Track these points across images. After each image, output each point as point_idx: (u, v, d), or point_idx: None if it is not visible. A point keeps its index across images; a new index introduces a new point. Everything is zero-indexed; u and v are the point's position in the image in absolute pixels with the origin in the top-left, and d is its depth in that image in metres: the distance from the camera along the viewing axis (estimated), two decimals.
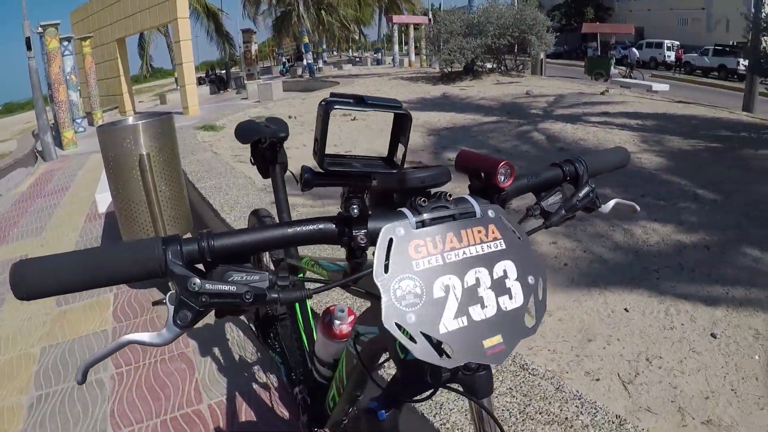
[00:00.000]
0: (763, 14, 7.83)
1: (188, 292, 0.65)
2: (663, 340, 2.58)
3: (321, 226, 0.73)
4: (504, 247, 0.72)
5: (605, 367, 2.40)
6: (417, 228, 0.69)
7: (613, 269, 3.30)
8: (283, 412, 2.32)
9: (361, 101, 0.68)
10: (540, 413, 1.54)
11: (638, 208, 0.99)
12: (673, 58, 32.57)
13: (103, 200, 3.76)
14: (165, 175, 3.01)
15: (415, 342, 0.64)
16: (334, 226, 0.73)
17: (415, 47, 28.08)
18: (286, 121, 1.73)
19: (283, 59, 34.13)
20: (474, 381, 0.81)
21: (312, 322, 1.76)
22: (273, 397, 2.41)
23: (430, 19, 26.28)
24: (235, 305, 0.68)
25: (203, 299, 0.65)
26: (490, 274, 0.70)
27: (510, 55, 15.34)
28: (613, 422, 1.48)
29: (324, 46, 34.86)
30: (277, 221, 2.04)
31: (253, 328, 2.37)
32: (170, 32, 22.26)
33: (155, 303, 0.78)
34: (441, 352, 0.65)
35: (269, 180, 1.75)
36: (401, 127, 0.72)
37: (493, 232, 0.73)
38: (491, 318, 0.68)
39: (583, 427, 1.47)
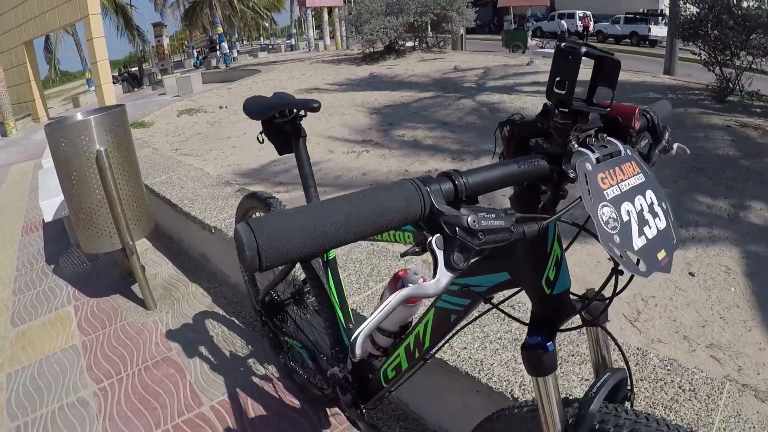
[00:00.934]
0: None
1: (466, 231, 0.63)
2: (650, 281, 2.80)
3: (537, 162, 0.75)
4: (644, 179, 0.82)
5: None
6: (595, 164, 0.75)
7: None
8: (292, 401, 2.22)
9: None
10: (572, 355, 1.64)
11: (689, 151, 1.03)
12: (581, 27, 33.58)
13: (50, 207, 3.46)
14: (124, 171, 2.79)
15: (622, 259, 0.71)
16: (546, 162, 0.76)
17: (330, 30, 27.81)
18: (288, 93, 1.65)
19: (195, 52, 33.10)
20: (597, 309, 0.91)
21: (342, 294, 1.66)
22: (278, 387, 2.30)
23: (345, 1, 26.06)
24: (501, 241, 0.67)
25: (480, 236, 0.63)
26: (645, 200, 0.80)
27: (431, 32, 15.37)
28: (636, 354, 1.62)
29: (236, 35, 33.97)
30: (277, 203, 1.92)
31: (261, 318, 2.25)
32: (78, 31, 21.03)
33: (405, 254, 0.70)
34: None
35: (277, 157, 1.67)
36: (605, 73, 0.77)
37: (635, 168, 0.81)
38: (656, 236, 0.78)
39: (613, 362, 1.48)
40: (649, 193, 0.81)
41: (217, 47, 24.76)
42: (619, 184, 0.77)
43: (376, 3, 13.98)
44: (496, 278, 0.94)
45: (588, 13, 34.55)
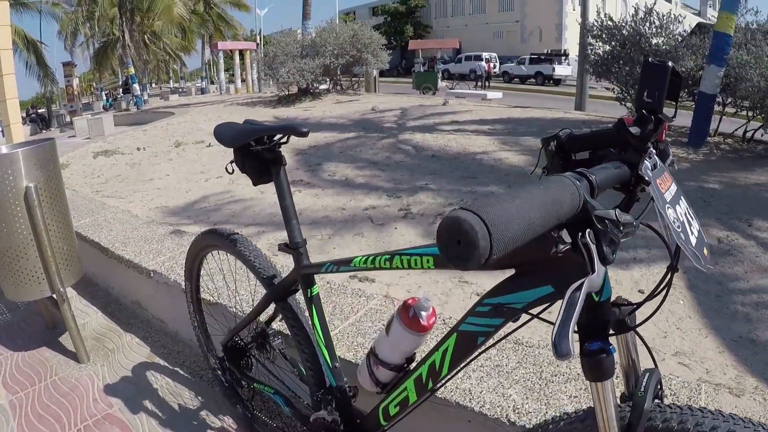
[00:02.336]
0: (590, 22, 8.60)
1: (614, 224, 0.67)
2: None
3: (621, 167, 0.82)
4: (677, 187, 0.91)
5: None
6: (652, 171, 0.83)
7: None
8: None
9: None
10: (555, 375, 1.69)
11: (676, 167, 1.10)
12: (491, 68, 35.05)
13: None
14: (54, 210, 2.56)
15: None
16: (627, 168, 0.82)
17: (241, 74, 27.68)
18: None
19: (104, 94, 32.07)
20: (627, 316, 0.92)
21: (327, 332, 1.56)
22: None
23: (258, 44, 26.06)
24: (629, 235, 0.71)
25: (622, 230, 0.68)
26: (685, 204, 0.90)
27: (345, 75, 15.54)
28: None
29: (147, 78, 33.19)
30: (243, 238, 1.82)
31: (219, 368, 2.10)
32: None
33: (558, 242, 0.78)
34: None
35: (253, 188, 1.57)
36: (656, 79, 0.81)
37: (669, 176, 0.90)
38: (698, 235, 0.88)
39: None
40: (683, 201, 0.90)
41: (130, 89, 24.11)
42: (668, 190, 0.87)
43: (292, 45, 14.02)
44: (537, 293, 0.91)
45: (493, 55, 36.12)
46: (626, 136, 0.81)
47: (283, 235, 3.56)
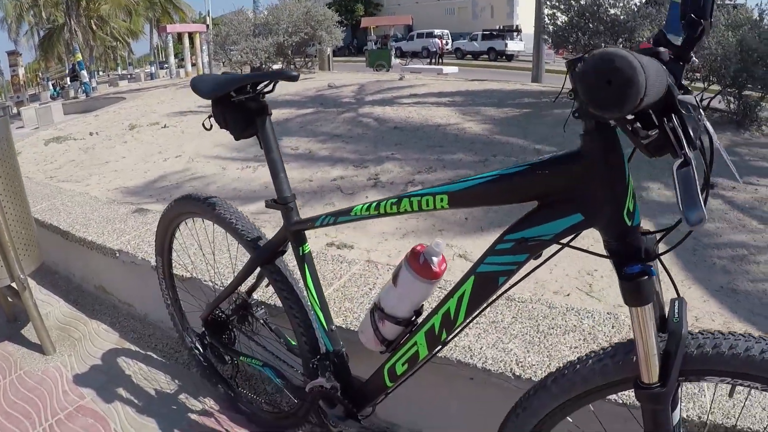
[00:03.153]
0: None
1: (695, 109, 0.68)
2: (585, 258, 2.99)
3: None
4: None
5: (565, 285, 2.83)
6: None
7: (508, 214, 3.52)
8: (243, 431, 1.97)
9: None
10: (552, 328, 1.69)
11: None
12: (444, 45, 35.04)
13: None
14: (9, 191, 2.39)
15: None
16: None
17: (192, 57, 27.07)
18: None
19: (50, 84, 30.97)
20: (652, 244, 0.89)
21: (321, 293, 1.48)
22: (222, 421, 2.04)
23: (207, 26, 25.44)
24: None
25: (699, 118, 0.70)
26: None
27: (298, 54, 15.29)
28: (609, 317, 1.73)
29: (95, 64, 32.17)
30: (221, 201, 1.71)
31: (197, 346, 2.00)
32: None
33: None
34: None
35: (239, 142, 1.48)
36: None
37: None
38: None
39: (591, 328, 1.67)
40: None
41: (78, 76, 23.32)
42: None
43: (244, 24, 13.74)
44: (565, 222, 0.91)
45: (446, 32, 36.10)
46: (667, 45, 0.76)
47: (249, 209, 3.45)
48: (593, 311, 1.77)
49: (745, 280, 2.71)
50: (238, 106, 1.41)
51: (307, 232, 1.47)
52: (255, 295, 1.84)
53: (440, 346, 1.13)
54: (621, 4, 7.36)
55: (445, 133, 5.63)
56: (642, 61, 0.56)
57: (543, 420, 1.05)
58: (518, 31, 34.00)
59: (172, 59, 27.72)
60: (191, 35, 26.48)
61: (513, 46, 32.06)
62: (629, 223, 0.86)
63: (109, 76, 38.09)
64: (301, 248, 1.44)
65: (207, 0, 25.51)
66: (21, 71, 23.17)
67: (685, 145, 0.66)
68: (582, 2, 7.47)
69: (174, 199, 1.87)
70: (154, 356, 2.51)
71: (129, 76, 33.69)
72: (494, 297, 1.02)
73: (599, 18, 7.18)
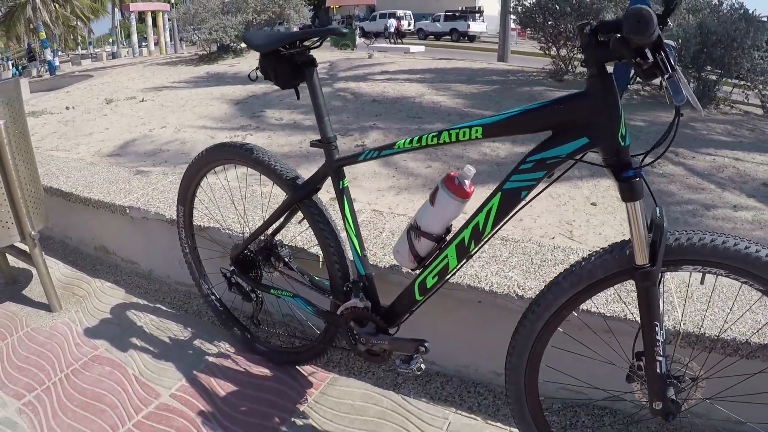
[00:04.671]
0: None
1: (674, 48, 1.03)
2: (566, 211, 3.27)
3: None
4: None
5: (548, 231, 3.09)
6: None
7: (491, 175, 3.87)
8: (262, 370, 2.14)
9: None
10: (544, 261, 1.92)
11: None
12: (406, 26, 35.07)
13: None
14: (21, 149, 2.47)
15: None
16: None
17: (154, 37, 26.61)
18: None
19: (10, 64, 30.02)
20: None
21: (356, 222, 1.69)
22: (239, 361, 2.19)
23: (172, 4, 25.03)
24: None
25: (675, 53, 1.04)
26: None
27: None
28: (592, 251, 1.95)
29: (57, 43, 31.26)
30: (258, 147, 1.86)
31: (215, 291, 2.22)
32: None
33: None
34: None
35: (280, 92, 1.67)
36: None
37: None
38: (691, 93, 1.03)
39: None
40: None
41: (37, 55, 22.70)
42: None
43: (213, 2, 13.63)
44: (574, 145, 1.17)
45: (408, 13, 36.09)
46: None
47: (241, 172, 3.60)
48: (577, 248, 2.02)
49: (687, 226, 2.99)
50: (287, 59, 1.57)
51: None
52: (278, 237, 2.00)
53: (466, 259, 1.35)
54: None
55: (422, 106, 5.82)
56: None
57: (555, 314, 1.25)
58: (480, 12, 34.19)
59: (134, 38, 27.21)
60: (154, 14, 26.01)
61: (475, 27, 32.21)
62: (622, 144, 1.13)
63: (69, 55, 37.13)
64: (341, 182, 1.63)
65: None
66: None
67: (669, 67, 0.98)
68: None
69: (206, 148, 2.01)
70: (164, 308, 2.63)
71: (91, 56, 32.91)
72: (516, 210, 1.26)
73: (567, 1, 7.41)
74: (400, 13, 35.88)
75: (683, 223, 3.11)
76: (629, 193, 1.13)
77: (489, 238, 1.30)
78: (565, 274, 1.24)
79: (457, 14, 33.35)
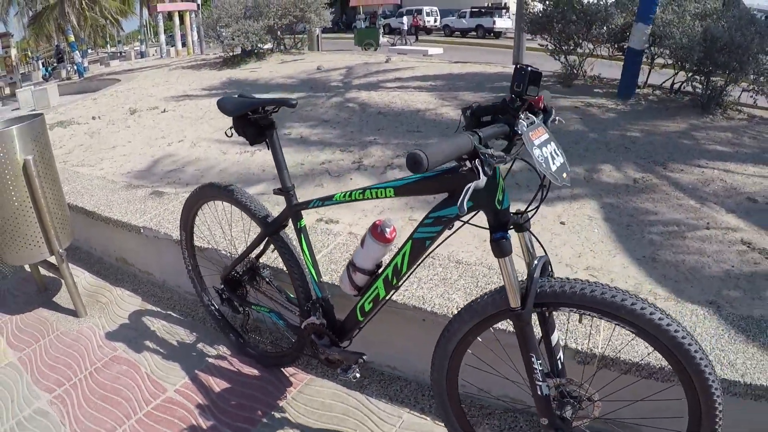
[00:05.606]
0: None
1: (492, 157, 1.22)
2: (533, 229, 3.24)
3: (504, 126, 1.33)
4: (548, 136, 1.36)
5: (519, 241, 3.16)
6: (527, 127, 1.30)
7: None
8: (252, 371, 2.51)
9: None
10: (488, 284, 2.23)
11: (563, 121, 1.59)
12: (432, 23, 35.25)
13: None
14: (48, 178, 2.86)
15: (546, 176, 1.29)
16: (507, 126, 1.32)
17: (181, 35, 27.16)
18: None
19: (40, 63, 30.89)
20: (524, 220, 1.43)
21: (312, 254, 2.01)
22: (234, 363, 2.57)
23: (198, 5, 25.51)
24: (501, 162, 1.26)
25: (496, 159, 1.24)
26: (551, 147, 1.35)
27: (288, 34, 15.52)
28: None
29: (87, 44, 32.05)
30: (239, 189, 2.21)
31: (213, 303, 2.60)
32: None
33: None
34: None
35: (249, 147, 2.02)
36: (534, 79, 1.28)
37: (543, 130, 1.36)
38: (560, 166, 1.34)
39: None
40: (552, 144, 1.37)
41: (66, 57, 23.37)
42: (539, 138, 1.32)
43: (235, 7, 13.96)
44: (453, 210, 1.45)
45: (434, 9, 36.13)
46: (508, 108, 1.32)
47: (250, 190, 3.92)
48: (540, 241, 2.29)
49: (669, 252, 3.04)
50: (253, 122, 1.92)
51: (302, 211, 2.00)
52: (261, 260, 2.35)
53: (394, 290, 1.68)
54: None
55: (424, 119, 6.01)
56: (430, 151, 1.13)
57: (461, 340, 1.57)
58: (506, 8, 34.09)
59: (162, 38, 27.75)
60: (182, 13, 26.55)
61: (501, 23, 32.09)
62: (499, 207, 1.40)
63: (98, 54, 37.97)
64: (298, 223, 1.99)
65: None
66: (13, 52, 23.17)
67: (481, 173, 1.22)
68: None
69: (198, 186, 2.38)
70: (174, 314, 3.03)
71: (119, 54, 33.66)
72: (425, 255, 1.57)
73: (572, 7, 7.52)
74: (426, 9, 36.04)
75: (648, 243, 3.16)
76: (498, 251, 1.39)
77: (408, 276, 1.62)
78: (466, 308, 1.54)
79: (482, 10, 33.25)
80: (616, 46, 7.92)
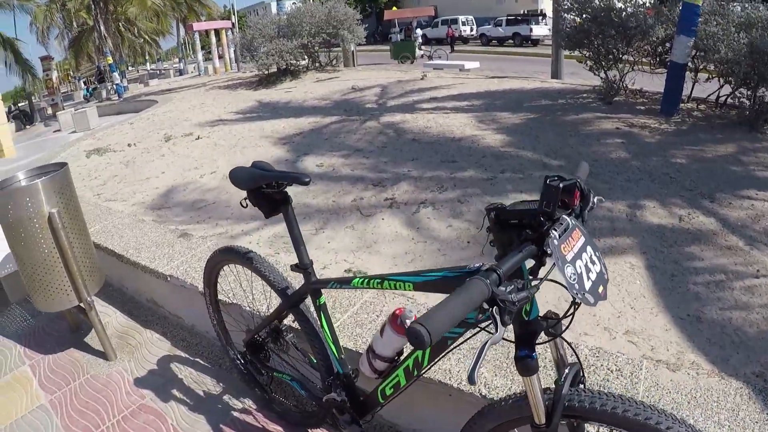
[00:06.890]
0: None
1: (511, 303, 1.03)
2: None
3: (531, 248, 1.17)
4: (585, 239, 1.20)
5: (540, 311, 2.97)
6: (559, 239, 1.13)
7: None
8: (276, 428, 2.44)
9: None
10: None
11: (604, 200, 1.40)
12: (468, 32, 35.17)
13: None
14: (74, 228, 2.87)
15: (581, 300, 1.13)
16: (534, 247, 1.17)
17: (218, 52, 27.65)
18: (270, 164, 1.89)
19: (82, 83, 31.83)
20: (557, 326, 1.31)
21: (333, 331, 1.95)
22: (258, 418, 2.52)
23: (233, 23, 25.92)
24: (526, 302, 1.16)
25: (517, 304, 1.05)
26: (587, 254, 1.19)
27: (324, 48, 15.58)
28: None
29: (125, 64, 32.95)
30: (257, 256, 2.15)
31: (238, 359, 2.48)
32: None
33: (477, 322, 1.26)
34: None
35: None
36: (550, 193, 1.15)
37: (579, 233, 1.19)
38: (596, 278, 1.18)
39: (545, 360, 2.00)
40: (589, 249, 1.21)
41: (107, 78, 24.02)
42: (573, 249, 1.15)
43: (269, 27, 14.09)
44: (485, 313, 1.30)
45: (470, 18, 36.07)
46: (536, 226, 1.17)
47: (278, 229, 3.88)
48: (574, 347, 2.15)
49: (715, 308, 2.85)
50: (266, 195, 1.85)
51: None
52: (285, 322, 2.29)
53: (414, 379, 1.58)
54: (631, 3, 7.43)
55: (459, 147, 5.89)
56: (432, 323, 0.95)
57: None
58: (543, 15, 33.73)
59: (200, 56, 28.34)
60: (217, 31, 27.02)
61: (538, 30, 31.75)
62: (525, 318, 1.27)
63: (138, 71, 38.89)
64: (317, 300, 1.91)
65: None
66: (54, 75, 23.94)
67: (499, 325, 1.02)
68: (594, 4, 7.52)
69: (218, 249, 2.33)
70: (201, 362, 2.99)
71: (158, 72, 34.41)
72: (447, 352, 1.46)
73: (611, 20, 7.29)
74: (462, 18, 35.99)
75: (692, 297, 2.96)
76: (522, 369, 1.25)
77: (427, 370, 1.52)
78: (492, 406, 1.44)
79: (519, 18, 33.02)
80: (657, 59, 7.67)
